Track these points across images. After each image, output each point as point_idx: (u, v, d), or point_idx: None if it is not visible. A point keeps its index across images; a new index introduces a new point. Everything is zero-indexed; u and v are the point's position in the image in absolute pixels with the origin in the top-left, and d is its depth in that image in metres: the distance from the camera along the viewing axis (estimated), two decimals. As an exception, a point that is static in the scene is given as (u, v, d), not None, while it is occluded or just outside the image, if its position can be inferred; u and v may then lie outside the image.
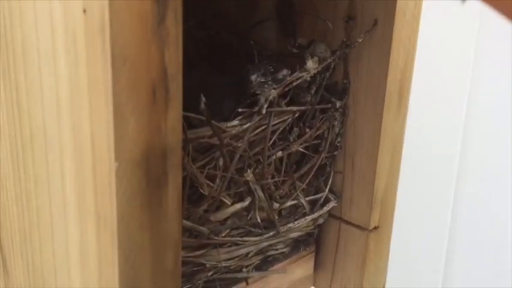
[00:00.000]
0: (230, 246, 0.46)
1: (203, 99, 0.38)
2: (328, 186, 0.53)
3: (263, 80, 0.44)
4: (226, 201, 0.44)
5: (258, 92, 0.44)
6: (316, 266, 0.57)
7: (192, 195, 0.42)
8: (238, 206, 0.45)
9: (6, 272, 0.42)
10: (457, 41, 0.61)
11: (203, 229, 0.43)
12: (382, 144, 0.50)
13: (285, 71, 0.45)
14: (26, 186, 0.36)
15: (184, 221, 0.41)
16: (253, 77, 0.44)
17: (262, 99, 0.43)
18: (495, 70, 0.64)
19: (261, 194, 0.46)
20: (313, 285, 0.57)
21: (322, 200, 0.53)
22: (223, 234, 0.45)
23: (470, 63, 0.63)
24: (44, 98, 0.32)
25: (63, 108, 0.31)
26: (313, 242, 0.56)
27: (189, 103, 0.35)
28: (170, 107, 0.31)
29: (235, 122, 0.43)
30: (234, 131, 0.43)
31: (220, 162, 0.42)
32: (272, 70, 0.45)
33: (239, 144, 0.43)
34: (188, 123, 0.40)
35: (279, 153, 0.47)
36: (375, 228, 0.53)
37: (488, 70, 0.64)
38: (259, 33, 0.56)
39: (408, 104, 0.51)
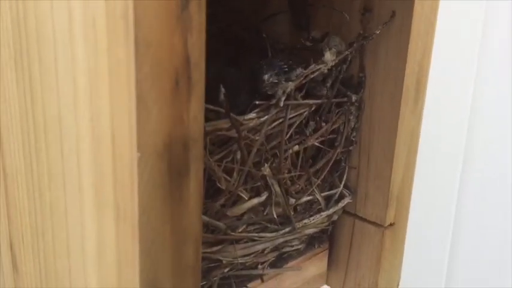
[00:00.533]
0: (246, 242, 0.45)
1: (222, 90, 0.37)
2: (342, 182, 0.52)
3: (276, 81, 0.43)
4: (243, 196, 0.42)
5: (270, 93, 0.43)
6: (330, 264, 0.56)
7: (208, 189, 0.41)
8: (255, 200, 0.44)
9: (15, 269, 0.40)
10: (461, 37, 0.60)
11: (220, 224, 0.41)
12: (398, 138, 0.49)
13: (299, 71, 0.44)
14: (39, 179, 0.35)
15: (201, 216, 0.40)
16: (266, 77, 0.43)
17: (280, 92, 0.42)
18: (499, 67, 0.63)
19: (277, 188, 0.45)
20: (327, 283, 0.56)
21: (336, 196, 0.52)
22: (239, 230, 0.43)
23: (475, 59, 0.62)
24: (60, 87, 0.31)
25: (80, 97, 0.30)
26: (327, 239, 0.55)
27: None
28: (193, 96, 0.30)
29: (253, 115, 0.42)
30: (251, 124, 0.41)
31: (238, 156, 0.41)
32: (286, 69, 0.44)
33: (256, 138, 0.42)
34: (204, 116, 0.39)
35: (296, 147, 0.46)
36: (391, 224, 0.52)
37: (491, 68, 0.63)
38: (271, 26, 0.55)
39: (425, 97, 0.50)
